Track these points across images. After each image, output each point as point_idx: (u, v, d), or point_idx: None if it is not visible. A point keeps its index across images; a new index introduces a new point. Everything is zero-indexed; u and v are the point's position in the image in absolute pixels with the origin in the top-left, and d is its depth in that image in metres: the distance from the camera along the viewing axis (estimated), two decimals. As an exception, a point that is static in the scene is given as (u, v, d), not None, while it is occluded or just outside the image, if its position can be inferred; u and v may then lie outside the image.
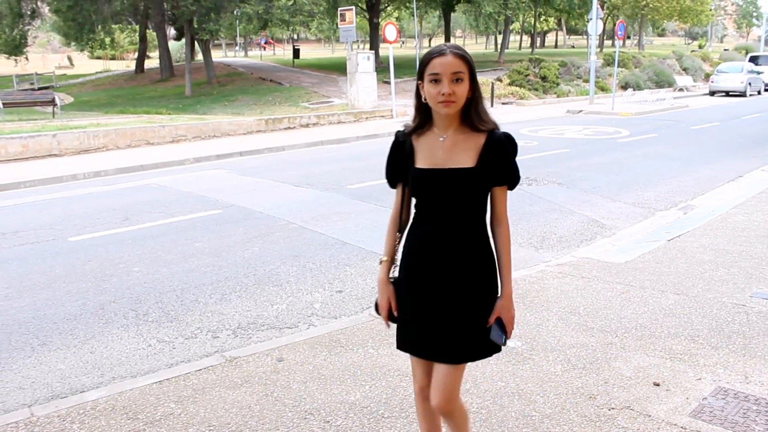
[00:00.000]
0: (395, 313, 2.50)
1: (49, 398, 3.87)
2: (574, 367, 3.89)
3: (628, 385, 3.65)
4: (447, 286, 2.36)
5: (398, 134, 2.48)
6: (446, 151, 2.33)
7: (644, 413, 3.35)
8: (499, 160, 2.33)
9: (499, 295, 2.41)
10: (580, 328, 4.48)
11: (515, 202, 8.65)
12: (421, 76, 2.30)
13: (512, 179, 2.37)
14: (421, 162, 2.36)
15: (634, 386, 3.64)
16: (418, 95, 2.37)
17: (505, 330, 2.39)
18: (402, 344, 2.53)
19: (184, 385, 3.81)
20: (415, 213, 2.45)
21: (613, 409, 3.41)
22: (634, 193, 9.34)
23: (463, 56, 2.25)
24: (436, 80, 2.23)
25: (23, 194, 10.32)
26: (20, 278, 6.05)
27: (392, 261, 2.51)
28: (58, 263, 6.49)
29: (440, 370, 2.42)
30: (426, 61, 2.27)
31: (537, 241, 7.02)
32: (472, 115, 2.31)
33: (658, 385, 3.64)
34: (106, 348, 4.56)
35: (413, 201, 2.47)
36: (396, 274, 2.52)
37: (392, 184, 2.55)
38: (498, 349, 2.45)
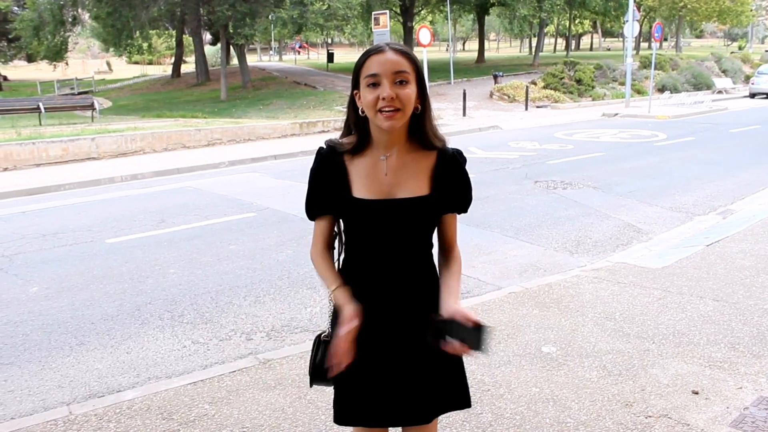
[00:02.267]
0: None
1: (86, 397, 3.93)
2: (610, 374, 3.83)
3: (665, 393, 3.58)
4: (405, 337, 1.96)
5: (323, 152, 1.98)
6: (392, 174, 1.90)
7: (682, 422, 3.28)
8: (456, 185, 1.97)
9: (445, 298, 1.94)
10: (616, 334, 4.41)
11: (550, 207, 8.58)
12: (356, 83, 1.87)
13: (467, 204, 2.02)
14: (361, 190, 1.91)
15: (671, 394, 3.57)
16: (353, 107, 1.92)
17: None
18: (350, 417, 2.03)
19: (218, 387, 3.84)
20: (348, 253, 2.01)
21: (650, 417, 3.34)
22: (672, 197, 9.18)
23: (406, 53, 1.84)
24: (374, 83, 1.80)
25: (63, 196, 10.54)
26: (60, 279, 6.17)
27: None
28: (96, 264, 6.60)
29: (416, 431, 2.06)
30: (360, 62, 1.85)
31: (572, 245, 6.94)
32: (424, 130, 1.91)
33: (697, 393, 3.57)
34: (142, 348, 4.62)
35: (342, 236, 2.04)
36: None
37: (314, 215, 2.03)
38: (467, 404, 2.08)
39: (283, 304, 5.40)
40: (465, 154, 2.06)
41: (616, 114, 22.79)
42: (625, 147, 14.67)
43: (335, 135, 2.11)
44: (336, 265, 2.04)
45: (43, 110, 20.53)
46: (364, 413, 2.01)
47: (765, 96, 30.42)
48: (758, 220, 7.40)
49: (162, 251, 6.99)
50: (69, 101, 25.23)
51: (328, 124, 18.85)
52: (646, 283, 5.45)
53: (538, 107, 26.06)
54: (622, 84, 28.66)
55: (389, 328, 1.96)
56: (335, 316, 2.00)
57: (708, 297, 5.06)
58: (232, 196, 9.87)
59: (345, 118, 2.00)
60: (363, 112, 1.87)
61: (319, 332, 2.12)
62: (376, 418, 2.01)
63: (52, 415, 3.59)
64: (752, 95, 30.91)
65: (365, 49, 1.91)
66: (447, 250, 2.05)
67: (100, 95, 36.58)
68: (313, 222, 2.05)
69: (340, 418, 2.05)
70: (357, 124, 1.93)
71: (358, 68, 1.87)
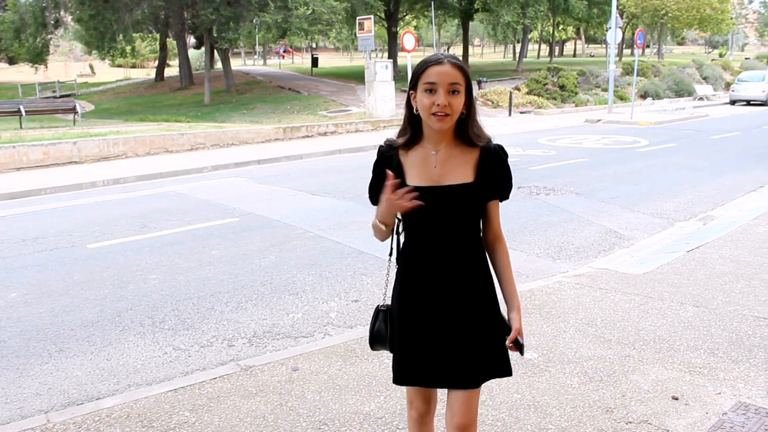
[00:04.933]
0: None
1: (65, 405, 3.89)
2: (591, 380, 3.85)
3: (646, 399, 3.60)
4: (456, 309, 2.23)
5: (382, 149, 2.29)
6: (441, 165, 2.18)
7: (662, 428, 3.30)
8: (498, 173, 2.22)
9: (510, 309, 2.29)
10: (598, 340, 4.43)
11: (533, 212, 8.61)
12: (414, 86, 2.15)
13: (507, 191, 2.28)
14: (414, 179, 2.20)
15: (652, 400, 3.59)
16: (409, 106, 2.20)
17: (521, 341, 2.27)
18: (405, 378, 2.34)
19: (199, 394, 3.82)
20: (406, 237, 2.31)
21: (630, 423, 3.36)
22: (653, 203, 9.25)
23: (461, 67, 2.11)
24: (431, 90, 2.08)
25: (44, 201, 10.43)
26: (39, 284, 6.10)
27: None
28: (77, 270, 6.54)
29: (460, 395, 2.28)
30: (421, 69, 2.12)
31: (554, 251, 6.97)
32: (468, 131, 2.18)
33: (676, 399, 3.59)
34: (123, 355, 4.58)
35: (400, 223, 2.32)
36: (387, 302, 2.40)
37: (375, 201, 2.31)
38: (509, 373, 2.33)
39: (265, 310, 5.38)
40: None
41: (599, 120, 22.95)
42: (608, 153, 14.78)
43: (319, 139, 2.26)
44: (397, 247, 2.36)
45: (24, 113, 20.33)
46: (419, 375, 2.30)
47: (745, 103, 30.80)
48: (738, 227, 7.48)
49: (144, 256, 6.94)
50: (51, 104, 25.00)
51: (312, 129, 18.80)
52: (628, 289, 5.49)
53: (521, 113, 26.18)
54: (605, 90, 28.86)
55: (443, 301, 2.23)
56: (395, 286, 2.35)
57: (688, 303, 5.10)
58: (215, 201, 9.82)
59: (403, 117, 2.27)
60: (416, 111, 2.15)
61: (378, 303, 2.44)
62: (428, 380, 2.30)
63: (30, 424, 3.55)
64: (732, 102, 31.28)
65: (423, 59, 2.16)
66: (494, 239, 2.32)
67: (82, 98, 36.27)
68: (374, 206, 2.32)
69: (398, 379, 2.35)
70: (410, 120, 2.21)
71: (417, 74, 2.13)
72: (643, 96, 31.05)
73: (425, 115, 2.11)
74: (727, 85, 37.02)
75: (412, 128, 2.21)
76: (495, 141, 2.26)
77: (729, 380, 3.80)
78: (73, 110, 21.93)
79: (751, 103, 30.57)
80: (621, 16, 39.45)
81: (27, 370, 4.36)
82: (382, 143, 2.31)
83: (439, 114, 2.07)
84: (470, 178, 2.18)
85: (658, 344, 4.34)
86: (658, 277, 5.78)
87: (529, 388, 3.76)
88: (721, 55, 68.63)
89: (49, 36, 32.77)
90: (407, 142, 2.22)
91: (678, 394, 3.64)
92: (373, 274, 6.23)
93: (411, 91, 2.16)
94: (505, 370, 2.33)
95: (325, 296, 5.67)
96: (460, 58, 2.20)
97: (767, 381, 3.78)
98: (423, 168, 2.19)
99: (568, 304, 5.16)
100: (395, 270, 2.37)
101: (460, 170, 2.18)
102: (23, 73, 49.29)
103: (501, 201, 2.30)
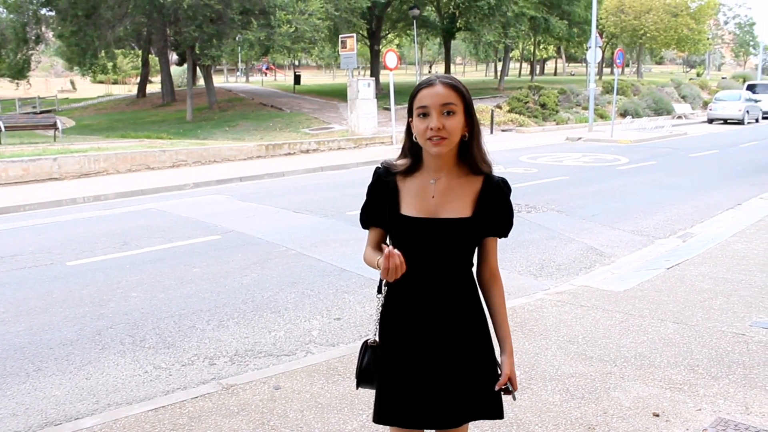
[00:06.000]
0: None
1: (43, 425, 3.83)
2: (573, 397, 3.86)
3: (627, 416, 3.62)
4: (446, 347, 2.11)
5: (379, 171, 2.16)
6: (439, 196, 2.06)
7: (644, 444, 3.31)
8: (499, 209, 2.13)
9: (501, 353, 2.19)
10: (579, 357, 4.45)
11: (514, 230, 8.60)
12: (410, 112, 2.05)
13: (508, 229, 2.19)
14: (409, 208, 2.08)
15: (633, 417, 3.61)
16: (409, 133, 2.10)
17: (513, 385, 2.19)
18: (386, 416, 2.17)
19: (180, 413, 3.78)
20: None
21: (612, 440, 3.37)
22: (633, 220, 9.34)
23: (454, 86, 1.99)
24: (424, 114, 1.98)
25: (23, 218, 10.32)
26: (17, 303, 6.02)
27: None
28: (56, 288, 6.47)
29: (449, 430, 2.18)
30: (414, 94, 2.03)
31: (536, 268, 7.01)
32: (471, 155, 2.07)
33: (657, 415, 3.61)
34: (102, 374, 4.53)
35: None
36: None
37: (367, 225, 2.24)
38: (500, 416, 2.18)
39: (246, 328, 5.35)
40: None
41: (580, 138, 23.18)
42: (589, 171, 14.92)
43: (302, 157, 2.19)
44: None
45: (3, 129, 20.15)
46: (402, 414, 2.15)
47: (722, 122, 31.27)
48: (716, 243, 7.57)
49: (124, 274, 6.88)
50: (31, 120, 24.82)
51: (294, 146, 18.81)
52: (609, 306, 5.52)
53: (503, 131, 26.38)
54: (586, 108, 29.19)
55: (430, 337, 2.11)
56: (382, 320, 2.18)
57: (668, 319, 5.14)
58: (196, 219, 9.78)
59: (402, 143, 2.17)
60: (416, 138, 2.05)
61: (365, 338, 2.28)
62: (412, 420, 2.14)
63: (7, 444, 3.50)
64: (710, 121, 31.77)
65: (418, 83, 2.07)
66: (490, 277, 2.23)
67: (63, 114, 36.06)
68: (366, 230, 2.27)
69: (379, 418, 2.19)
70: (411, 148, 2.11)
71: (411, 99, 2.04)
72: (623, 114, 31.44)
73: (422, 141, 2.01)
74: (705, 104, 37.64)
75: (413, 156, 2.10)
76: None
77: (709, 396, 3.83)
78: (54, 126, 21.76)
79: (728, 121, 31.07)
80: (600, 35, 40.00)
81: (3, 390, 4.30)
82: (379, 165, 2.18)
83: (434, 138, 1.97)
84: (468, 213, 2.07)
85: (639, 361, 4.37)
86: (639, 294, 5.83)
87: (511, 405, 3.75)
88: (698, 75, 69.75)
89: (30, 52, 32.59)
90: (407, 170, 2.11)
91: (659, 411, 3.66)
92: (355, 292, 6.22)
93: (410, 119, 2.07)
94: (496, 412, 2.18)
95: (307, 314, 5.65)
96: (455, 78, 2.07)
97: (746, 397, 3.81)
98: (420, 197, 2.08)
99: (549, 321, 5.19)
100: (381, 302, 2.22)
101: (458, 203, 2.07)
102: (3, 89, 48.85)
103: (500, 238, 2.20)
